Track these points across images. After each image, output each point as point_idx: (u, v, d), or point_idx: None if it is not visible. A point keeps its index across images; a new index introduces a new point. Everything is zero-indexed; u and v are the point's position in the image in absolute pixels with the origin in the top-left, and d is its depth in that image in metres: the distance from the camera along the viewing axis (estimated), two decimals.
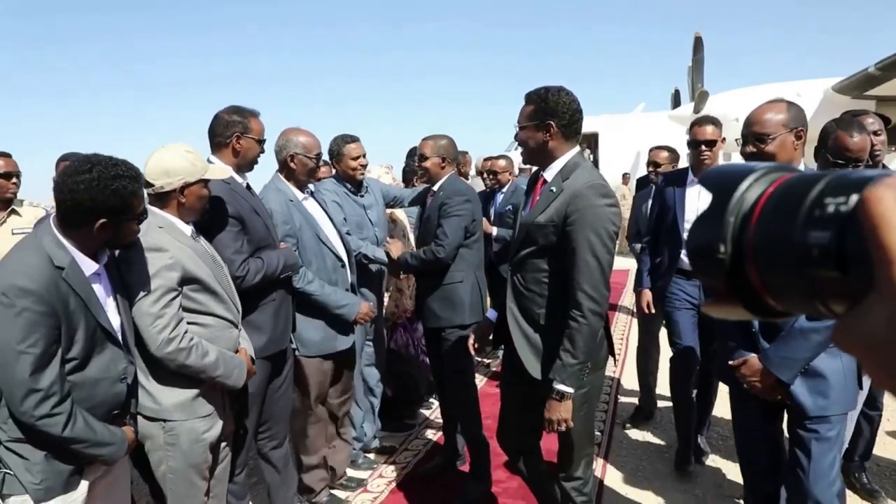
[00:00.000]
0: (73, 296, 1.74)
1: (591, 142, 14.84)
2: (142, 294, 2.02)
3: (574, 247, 2.08)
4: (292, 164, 2.93)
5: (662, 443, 3.88)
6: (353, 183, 3.42)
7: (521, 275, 2.27)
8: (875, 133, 2.94)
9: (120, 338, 1.90)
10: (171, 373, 2.08)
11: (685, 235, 3.28)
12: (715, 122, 3.45)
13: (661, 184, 3.67)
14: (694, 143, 3.42)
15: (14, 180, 3.40)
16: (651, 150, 4.43)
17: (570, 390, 2.09)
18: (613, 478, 3.43)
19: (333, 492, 3.29)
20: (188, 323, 2.12)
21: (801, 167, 2.06)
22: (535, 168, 2.42)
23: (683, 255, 3.38)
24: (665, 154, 4.32)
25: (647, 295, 3.72)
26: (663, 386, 3.95)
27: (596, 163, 13.75)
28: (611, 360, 2.38)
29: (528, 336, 2.26)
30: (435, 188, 3.23)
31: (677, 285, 3.45)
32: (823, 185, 0.39)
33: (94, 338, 1.80)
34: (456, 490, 3.28)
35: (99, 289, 1.87)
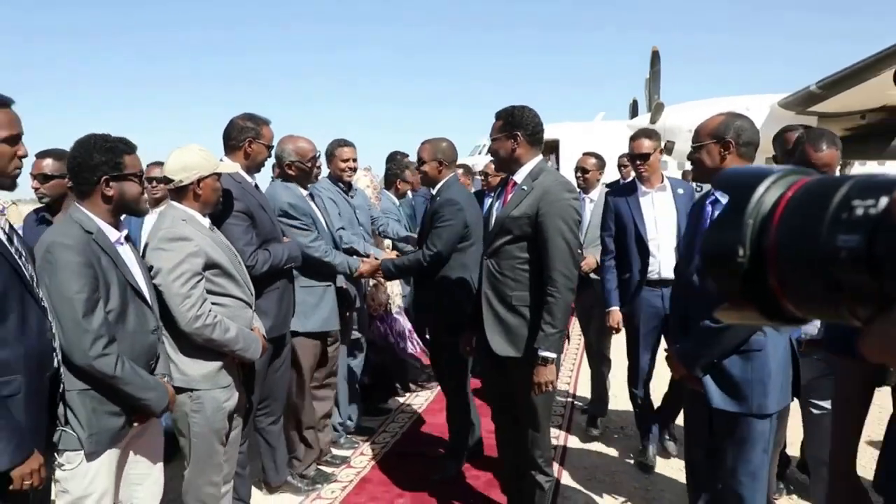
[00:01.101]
0: (104, 255, 2.03)
1: (553, 148, 15.32)
2: (169, 278, 2.30)
3: (546, 234, 2.47)
4: (290, 171, 3.25)
5: (614, 451, 4.09)
6: (343, 183, 3.73)
7: (495, 261, 2.63)
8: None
9: (148, 299, 2.17)
10: (197, 347, 2.36)
11: (650, 246, 3.46)
12: (650, 134, 3.56)
13: (610, 197, 3.73)
14: (631, 157, 3.62)
15: None
16: (581, 157, 4.41)
17: (553, 355, 2.46)
18: (568, 480, 3.57)
19: (320, 467, 3.57)
20: (211, 303, 2.40)
21: None
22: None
23: (651, 266, 3.47)
24: (593, 161, 4.33)
25: (618, 314, 3.66)
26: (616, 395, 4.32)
27: (557, 168, 14.20)
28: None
29: (499, 315, 2.61)
30: (434, 191, 3.39)
31: (644, 299, 3.49)
32: (849, 188, 0.39)
33: (126, 294, 2.08)
34: (432, 468, 3.57)
35: (125, 252, 2.14)
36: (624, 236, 3.58)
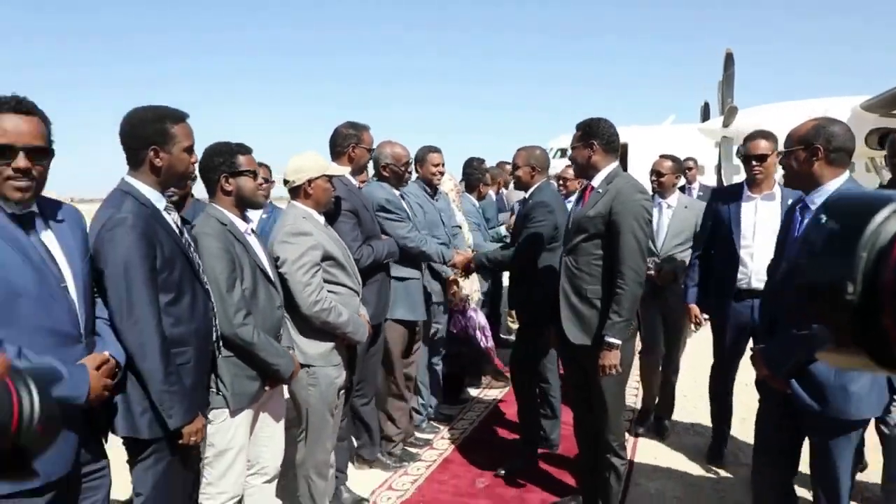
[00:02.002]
0: (237, 242, 2.37)
1: (621, 152, 15.25)
2: (293, 267, 2.63)
3: (619, 231, 2.70)
4: (385, 172, 3.57)
5: (684, 446, 4.37)
6: (431, 186, 4.04)
7: (573, 258, 2.88)
8: None
9: (274, 280, 2.50)
10: (314, 329, 2.69)
11: (742, 254, 3.37)
12: (768, 135, 3.36)
13: (714, 199, 3.69)
14: (745, 158, 3.41)
15: None
16: (656, 160, 4.18)
17: (618, 342, 2.70)
18: (640, 470, 3.86)
19: (406, 448, 3.87)
20: (327, 291, 2.73)
21: (839, 182, 2.22)
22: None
23: (740, 275, 3.38)
24: (669, 164, 4.11)
25: (695, 310, 3.69)
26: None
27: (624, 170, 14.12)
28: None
29: (575, 307, 2.86)
30: (526, 195, 3.64)
31: (733, 310, 3.41)
32: None
33: (256, 275, 2.41)
34: (508, 454, 3.80)
35: (253, 241, 2.48)
36: (714, 239, 3.55)
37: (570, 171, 5.18)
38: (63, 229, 1.82)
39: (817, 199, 2.24)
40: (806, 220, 2.26)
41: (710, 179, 12.45)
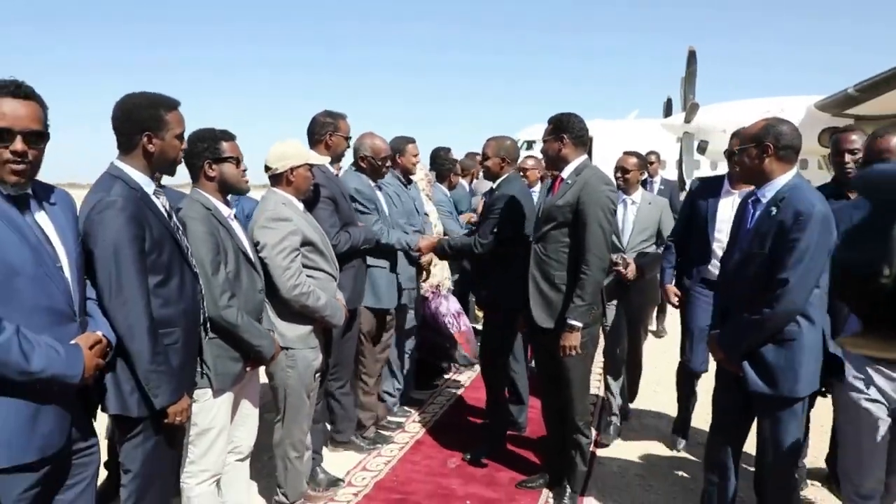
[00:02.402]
0: (221, 227, 2.42)
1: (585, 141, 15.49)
2: (273, 252, 2.69)
3: (585, 220, 2.86)
4: (363, 164, 3.65)
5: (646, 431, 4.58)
6: (406, 175, 4.12)
7: (542, 245, 3.03)
8: (851, 151, 2.91)
9: (255, 264, 2.57)
10: (292, 312, 2.76)
11: (714, 247, 3.45)
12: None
13: (695, 189, 3.77)
14: (730, 154, 3.42)
15: None
16: (621, 157, 4.19)
17: (579, 324, 2.88)
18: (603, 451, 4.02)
19: (379, 430, 3.97)
20: (305, 276, 2.79)
21: (787, 178, 2.37)
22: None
23: (711, 266, 3.45)
24: (634, 160, 4.12)
25: (672, 289, 3.74)
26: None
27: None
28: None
29: (543, 292, 3.02)
30: (493, 185, 3.65)
31: (701, 295, 3.49)
32: None
33: (239, 259, 2.47)
34: (476, 438, 3.91)
35: (235, 226, 2.53)
36: (691, 228, 3.64)
37: (529, 162, 5.26)
38: (56, 211, 1.86)
39: (768, 192, 2.40)
40: (757, 213, 2.43)
41: (670, 174, 12.74)
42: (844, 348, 2.27)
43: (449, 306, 4.77)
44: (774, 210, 2.32)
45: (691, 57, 14.86)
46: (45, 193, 1.87)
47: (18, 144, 1.68)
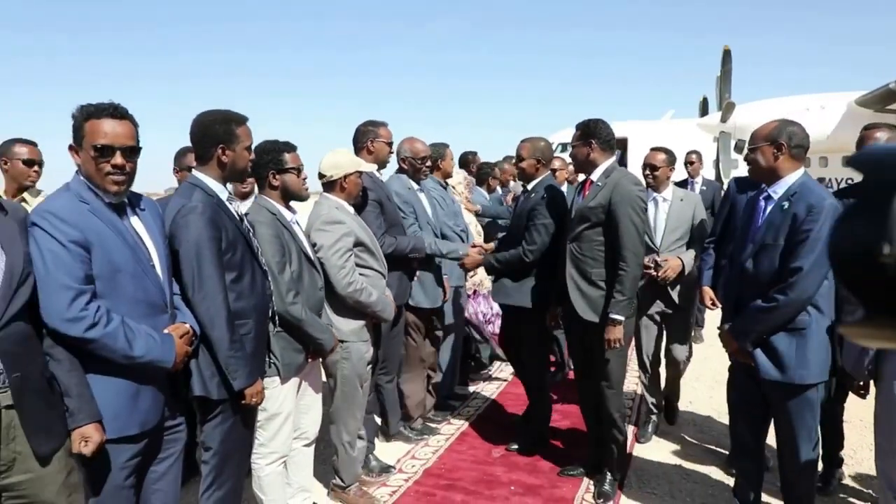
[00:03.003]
0: (285, 230, 2.65)
1: (621, 146, 15.54)
2: (329, 252, 2.92)
3: (618, 219, 3.02)
4: (404, 165, 3.88)
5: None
6: (445, 179, 4.35)
7: (577, 245, 3.19)
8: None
9: (316, 264, 2.79)
10: (347, 308, 2.99)
11: None
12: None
13: (734, 188, 3.82)
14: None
15: (35, 168, 3.34)
16: (648, 153, 4.07)
17: (622, 318, 3.01)
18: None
19: (427, 423, 4.17)
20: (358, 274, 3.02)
21: (796, 175, 2.49)
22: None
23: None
24: (662, 156, 3.98)
25: (709, 292, 3.66)
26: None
27: (624, 166, 14.34)
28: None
29: (582, 289, 3.17)
30: (529, 187, 3.63)
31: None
32: None
33: (301, 260, 2.69)
34: (517, 429, 4.07)
35: (297, 230, 2.76)
36: (728, 227, 3.63)
37: (556, 163, 5.11)
38: (146, 216, 2.12)
39: (779, 189, 2.52)
40: (769, 209, 2.54)
41: (707, 174, 12.70)
42: (847, 338, 2.27)
43: (490, 305, 4.95)
44: (787, 204, 2.45)
45: (726, 56, 14.78)
46: (136, 201, 2.13)
47: (118, 159, 1.94)
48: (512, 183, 6.38)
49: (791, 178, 2.51)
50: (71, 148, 1.97)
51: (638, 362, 4.17)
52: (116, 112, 1.96)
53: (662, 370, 4.17)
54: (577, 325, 3.24)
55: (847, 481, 3.44)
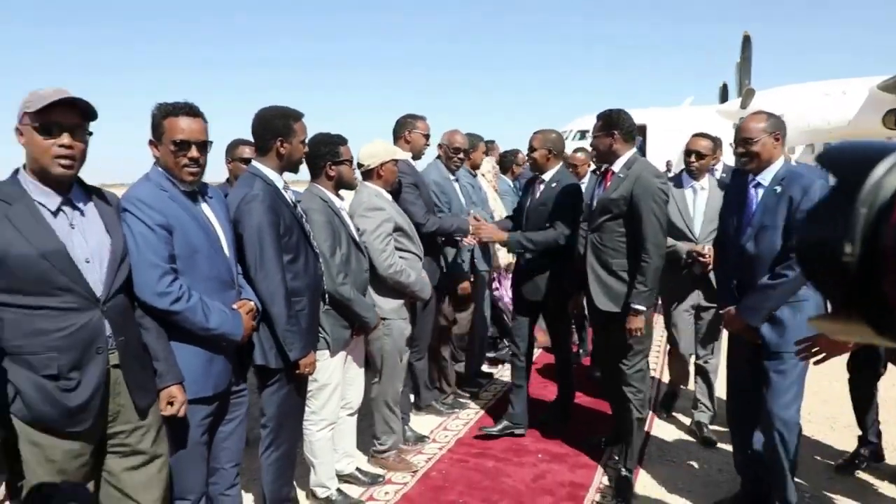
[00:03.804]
0: (335, 216, 2.89)
1: (641, 133, 15.61)
2: (372, 237, 3.16)
3: (639, 212, 3.08)
4: (440, 151, 4.13)
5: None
6: (475, 168, 4.60)
7: (598, 235, 3.25)
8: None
9: (362, 248, 3.03)
10: (388, 288, 3.23)
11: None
12: None
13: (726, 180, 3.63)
14: None
15: None
16: (691, 139, 3.92)
17: (644, 308, 3.12)
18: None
19: (455, 398, 4.42)
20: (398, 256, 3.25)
21: (780, 162, 2.67)
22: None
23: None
24: (707, 143, 3.83)
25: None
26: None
27: (643, 153, 14.43)
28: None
29: (602, 279, 3.24)
30: (545, 178, 3.71)
31: None
32: None
33: (350, 244, 2.93)
34: (543, 404, 4.30)
35: (345, 215, 2.99)
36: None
37: (578, 156, 5.30)
38: (213, 203, 2.35)
39: (767, 176, 2.68)
40: (760, 194, 2.69)
41: (727, 160, 12.77)
42: (817, 329, 2.34)
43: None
44: (779, 188, 2.61)
45: (746, 42, 14.76)
46: (204, 189, 2.36)
47: (194, 152, 2.18)
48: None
49: (777, 165, 2.68)
50: (151, 143, 2.20)
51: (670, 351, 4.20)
52: (191, 110, 2.19)
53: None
54: (598, 314, 3.33)
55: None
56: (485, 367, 5.09)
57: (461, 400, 4.43)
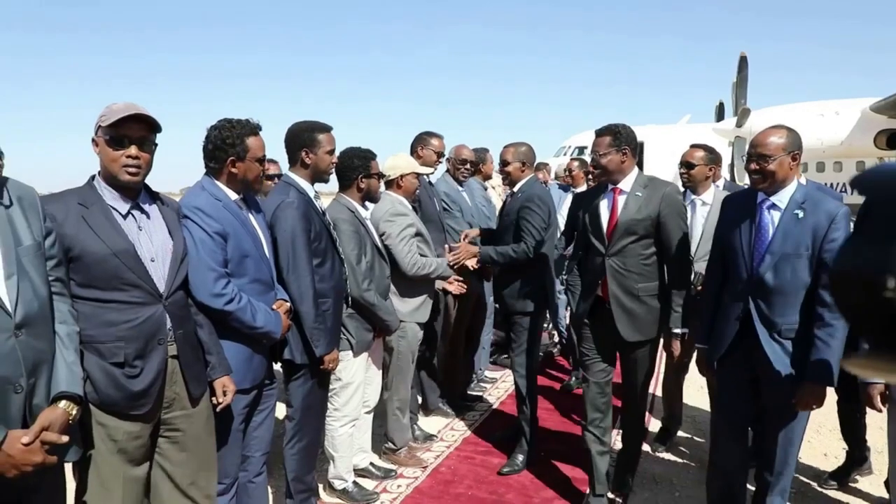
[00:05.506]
0: (361, 226, 3.09)
1: (638, 150, 15.82)
2: (396, 240, 3.37)
3: (669, 232, 2.91)
4: (447, 165, 4.40)
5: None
6: (486, 180, 4.85)
7: (619, 259, 2.95)
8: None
9: (385, 256, 3.24)
10: (406, 289, 3.44)
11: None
12: None
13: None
14: None
15: None
16: (687, 150, 3.73)
17: (682, 331, 2.94)
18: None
19: (461, 401, 4.61)
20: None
21: (796, 183, 2.44)
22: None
23: None
24: (700, 154, 3.65)
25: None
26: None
27: (641, 169, 14.56)
28: None
29: (627, 308, 2.95)
30: (514, 189, 3.65)
31: None
32: None
33: (374, 252, 3.14)
34: (547, 406, 4.50)
35: (370, 225, 3.20)
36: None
37: (575, 164, 5.36)
38: (254, 211, 2.57)
39: (783, 197, 2.44)
40: (777, 218, 2.45)
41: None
42: (850, 372, 2.11)
43: None
44: (801, 213, 2.39)
45: (742, 62, 15.08)
46: (250, 198, 2.58)
47: (264, 166, 2.48)
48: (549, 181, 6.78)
49: (792, 186, 2.44)
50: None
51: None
52: (258, 128, 2.47)
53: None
54: (611, 343, 3.06)
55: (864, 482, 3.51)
56: (488, 373, 5.30)
57: (466, 402, 4.63)
